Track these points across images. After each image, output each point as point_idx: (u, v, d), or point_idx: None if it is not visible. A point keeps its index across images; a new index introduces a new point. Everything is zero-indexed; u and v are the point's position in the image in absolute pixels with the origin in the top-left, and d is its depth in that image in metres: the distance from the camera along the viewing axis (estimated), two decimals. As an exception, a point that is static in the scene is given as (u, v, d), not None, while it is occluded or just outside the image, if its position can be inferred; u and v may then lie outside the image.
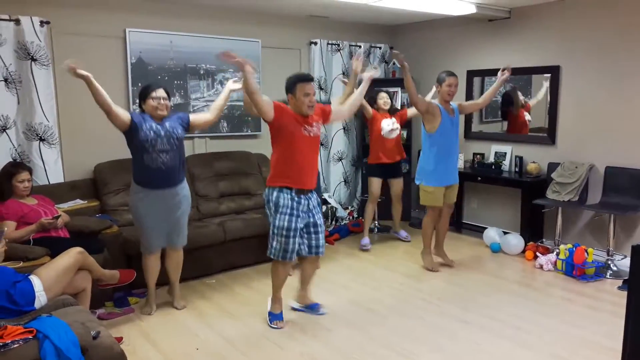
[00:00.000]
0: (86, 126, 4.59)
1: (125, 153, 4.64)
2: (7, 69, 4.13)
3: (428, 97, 4.52)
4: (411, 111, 5.21)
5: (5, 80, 4.14)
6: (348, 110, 3.66)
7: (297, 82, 3.26)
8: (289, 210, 3.30)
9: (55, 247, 3.40)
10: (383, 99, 5.26)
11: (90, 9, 4.51)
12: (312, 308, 3.73)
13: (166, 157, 3.44)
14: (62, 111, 4.46)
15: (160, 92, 3.45)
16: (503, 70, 4.47)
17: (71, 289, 3.06)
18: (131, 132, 3.39)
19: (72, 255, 3.08)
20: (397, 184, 5.39)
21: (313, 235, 3.46)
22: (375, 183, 5.31)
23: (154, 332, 3.46)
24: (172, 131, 3.47)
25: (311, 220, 3.43)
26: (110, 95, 4.62)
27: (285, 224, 3.30)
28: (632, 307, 1.61)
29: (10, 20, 4.09)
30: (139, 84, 4.76)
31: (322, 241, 3.50)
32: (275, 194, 3.33)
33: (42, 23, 4.21)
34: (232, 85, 3.73)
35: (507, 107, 5.69)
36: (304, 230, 3.43)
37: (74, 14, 4.44)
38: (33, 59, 4.20)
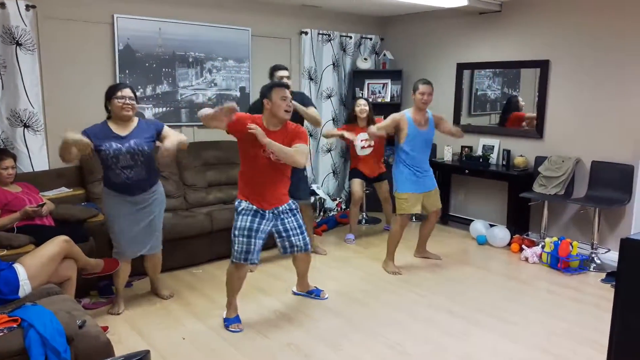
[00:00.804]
0: (72, 113, 4.51)
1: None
2: (-10, 53, 4.05)
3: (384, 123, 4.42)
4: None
5: (-11, 64, 4.06)
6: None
7: (273, 87, 3.23)
8: (250, 212, 3.25)
9: (39, 235, 3.36)
10: (360, 106, 5.19)
11: (77, -7, 4.43)
12: (313, 293, 3.86)
13: (130, 173, 3.31)
14: (48, 97, 4.39)
15: (126, 92, 3.31)
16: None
17: (56, 278, 3.03)
18: (95, 150, 3.25)
19: (58, 243, 3.04)
20: (382, 187, 5.38)
21: (286, 240, 3.39)
22: (357, 184, 5.25)
23: (140, 321, 3.44)
24: (137, 148, 3.30)
25: (280, 227, 3.35)
26: (97, 82, 4.62)
27: (247, 224, 3.23)
28: (619, 300, 1.63)
29: (-6, 3, 4.00)
30: (126, 71, 4.71)
31: (298, 242, 3.41)
32: (237, 202, 3.32)
33: (27, 7, 4.12)
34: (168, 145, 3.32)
35: (509, 113, 5.61)
36: (276, 234, 3.38)
37: (61, -2, 4.36)
38: (18, 44, 4.12)
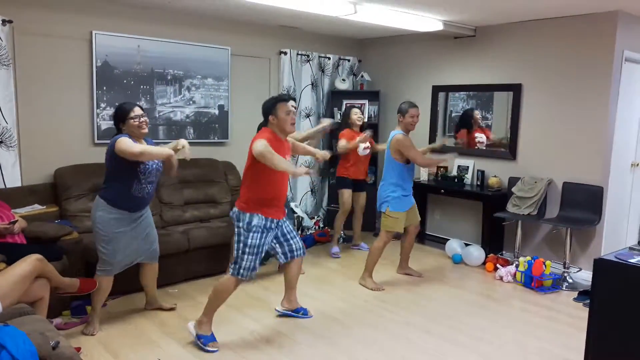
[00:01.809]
0: (47, 129, 4.46)
1: (87, 158, 4.57)
2: (-36, 67, 3.98)
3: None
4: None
5: (-38, 79, 3.98)
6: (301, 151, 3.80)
7: (277, 102, 3.30)
8: (261, 229, 3.29)
9: (11, 254, 3.27)
10: (357, 114, 5.38)
11: (56, 9, 4.40)
12: (301, 312, 3.82)
13: (150, 188, 3.47)
14: (22, 113, 4.32)
15: (138, 111, 3.37)
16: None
17: (28, 298, 2.94)
18: (131, 161, 3.25)
19: (30, 262, 2.96)
20: (362, 197, 5.56)
21: (285, 244, 3.52)
22: (346, 194, 5.40)
23: (113, 342, 3.36)
24: (158, 164, 3.47)
25: (279, 232, 3.48)
26: (73, 99, 4.57)
27: (258, 241, 3.28)
28: (594, 317, 1.68)
29: (-31, 17, 3.95)
30: (104, 88, 4.67)
31: (296, 245, 3.56)
32: (248, 217, 3.28)
33: (4, 22, 4.08)
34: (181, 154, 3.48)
35: (463, 127, 5.80)
36: (276, 240, 3.49)
37: (39, 13, 4.32)
38: (-7, 58, 4.06)
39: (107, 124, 4.68)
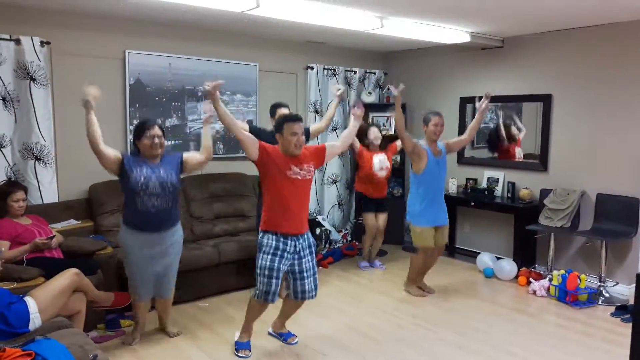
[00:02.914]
0: (82, 146, 4.51)
1: (121, 173, 4.65)
2: (5, 87, 4.13)
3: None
4: (400, 143, 5.27)
5: (3, 99, 4.14)
6: (342, 147, 3.64)
7: (284, 122, 3.21)
8: (271, 250, 3.20)
9: (49, 268, 3.36)
10: (374, 133, 5.33)
11: (91, 30, 4.55)
12: (283, 336, 3.66)
13: (157, 201, 3.27)
14: (59, 131, 4.46)
15: (155, 130, 3.29)
16: (480, 98, 4.43)
17: (66, 311, 3.02)
18: (122, 174, 3.26)
19: (68, 276, 3.05)
20: (382, 219, 5.44)
21: (299, 282, 3.35)
22: (370, 218, 5.37)
23: (148, 355, 3.41)
24: (166, 177, 3.31)
25: (296, 266, 3.31)
26: (107, 116, 4.68)
27: (268, 263, 3.19)
28: (637, 334, 1.64)
29: (10, 40, 4.11)
30: (136, 105, 4.79)
31: (308, 286, 3.37)
32: (260, 235, 3.28)
33: (42, 43, 4.24)
34: (206, 121, 3.58)
35: (496, 143, 5.75)
36: (291, 277, 3.34)
37: (75, 34, 4.48)
38: (32, 79, 4.21)
39: (139, 140, 4.79)
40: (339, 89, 4.24)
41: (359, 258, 5.63)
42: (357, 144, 5.26)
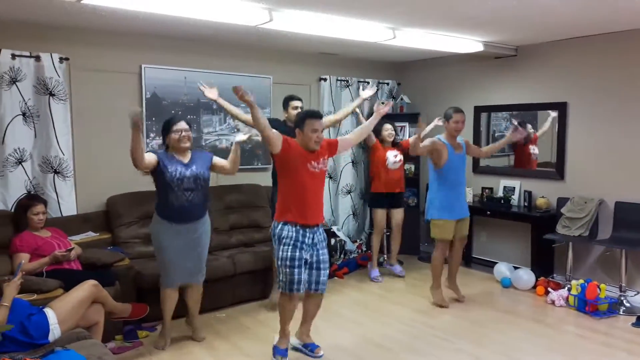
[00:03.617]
0: (100, 159, 4.66)
1: (138, 186, 4.72)
2: (25, 103, 4.22)
3: (426, 139, 4.46)
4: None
5: (24, 114, 4.23)
6: (355, 139, 3.79)
7: (306, 118, 3.32)
8: (292, 242, 3.29)
9: (68, 280, 3.42)
10: (388, 130, 5.42)
11: (108, 46, 4.64)
12: (309, 347, 3.61)
13: (191, 195, 3.49)
14: (77, 144, 4.54)
15: (182, 125, 3.53)
16: (514, 129, 4.61)
17: (84, 322, 3.06)
18: (157, 172, 3.45)
19: (87, 288, 3.09)
20: (397, 214, 5.45)
21: (314, 271, 3.40)
22: (380, 214, 5.40)
23: (164, 366, 3.43)
24: (199, 172, 3.53)
25: (314, 257, 3.39)
26: (124, 129, 4.73)
27: (289, 254, 3.27)
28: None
29: (30, 56, 4.21)
30: (153, 119, 4.87)
31: (323, 278, 3.43)
32: (279, 226, 3.34)
33: (61, 59, 4.33)
34: (240, 138, 3.74)
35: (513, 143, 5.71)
36: (309, 267, 3.39)
37: (93, 50, 4.57)
38: (51, 94, 4.30)
39: (156, 153, 4.86)
40: (369, 95, 4.56)
41: (370, 266, 5.53)
42: (373, 137, 5.35)
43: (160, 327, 3.80)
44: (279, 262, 3.31)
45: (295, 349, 3.65)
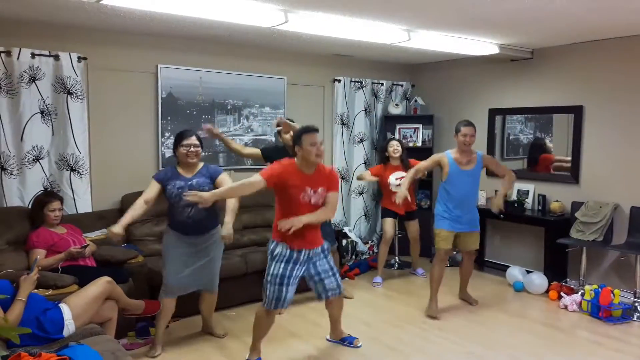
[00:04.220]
0: (116, 157, 4.72)
1: (153, 184, 4.77)
2: (44, 101, 4.30)
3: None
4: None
5: (42, 112, 4.30)
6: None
7: (302, 133, 3.20)
8: (284, 259, 3.23)
9: (82, 276, 3.47)
10: (393, 146, 5.32)
11: (125, 46, 4.70)
12: (347, 341, 3.79)
13: (191, 212, 3.43)
14: (94, 143, 4.60)
15: (192, 140, 3.51)
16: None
17: (98, 318, 3.11)
18: (163, 190, 3.51)
19: (101, 284, 3.14)
20: (412, 226, 5.46)
21: (318, 284, 3.39)
22: (389, 223, 5.34)
23: (176, 363, 3.47)
24: (199, 187, 3.40)
25: (312, 270, 3.34)
26: (140, 129, 4.83)
27: (280, 271, 3.21)
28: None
29: (50, 55, 4.28)
30: (168, 118, 4.92)
31: (331, 285, 3.41)
32: (274, 243, 3.29)
33: (79, 59, 4.40)
34: (223, 233, 3.54)
35: (537, 154, 5.66)
36: (309, 278, 3.38)
37: (110, 50, 4.63)
38: (69, 93, 4.37)
39: (170, 152, 4.89)
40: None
41: (374, 273, 5.51)
42: (370, 178, 5.42)
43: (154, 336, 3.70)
44: (269, 278, 3.25)
45: (331, 341, 3.83)
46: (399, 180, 5.20)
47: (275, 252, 3.26)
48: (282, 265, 3.23)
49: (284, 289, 3.23)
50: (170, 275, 3.53)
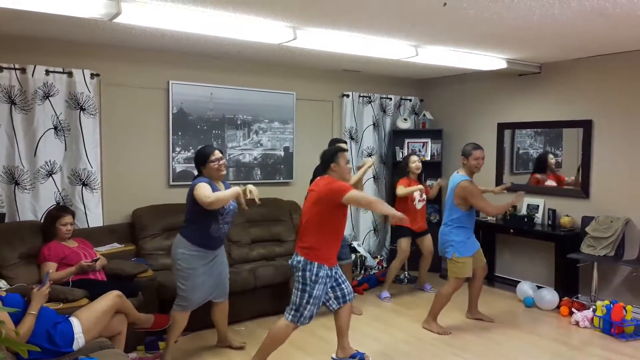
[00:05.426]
0: (127, 172, 4.78)
1: (163, 199, 4.84)
2: (57, 117, 4.37)
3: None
4: (433, 192, 5.49)
5: (55, 128, 4.38)
6: None
7: (338, 151, 3.46)
8: (325, 280, 3.37)
9: (92, 290, 3.49)
10: (415, 162, 5.33)
11: (137, 62, 4.79)
12: (357, 357, 3.71)
13: (226, 227, 3.64)
14: (105, 158, 4.67)
15: (218, 154, 3.54)
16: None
17: (108, 332, 3.12)
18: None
19: (111, 298, 3.16)
20: (427, 240, 5.43)
21: (338, 288, 3.54)
22: (405, 242, 5.29)
23: (184, 378, 3.47)
24: (235, 206, 3.63)
25: (333, 282, 3.52)
26: (151, 144, 4.89)
27: (322, 292, 3.37)
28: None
29: (63, 72, 4.37)
30: (179, 133, 4.98)
31: (347, 289, 3.58)
32: (316, 267, 3.31)
33: (92, 75, 4.48)
34: None
35: (539, 172, 5.66)
36: (331, 290, 3.52)
37: (122, 66, 4.72)
38: (82, 109, 4.45)
39: (181, 166, 4.97)
40: (370, 163, 4.59)
41: (380, 287, 5.49)
42: (410, 189, 5.20)
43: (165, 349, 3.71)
44: (311, 300, 3.30)
45: None
46: (419, 198, 5.28)
47: (320, 275, 3.33)
48: (323, 287, 3.36)
49: (316, 308, 3.38)
50: (195, 290, 3.53)
